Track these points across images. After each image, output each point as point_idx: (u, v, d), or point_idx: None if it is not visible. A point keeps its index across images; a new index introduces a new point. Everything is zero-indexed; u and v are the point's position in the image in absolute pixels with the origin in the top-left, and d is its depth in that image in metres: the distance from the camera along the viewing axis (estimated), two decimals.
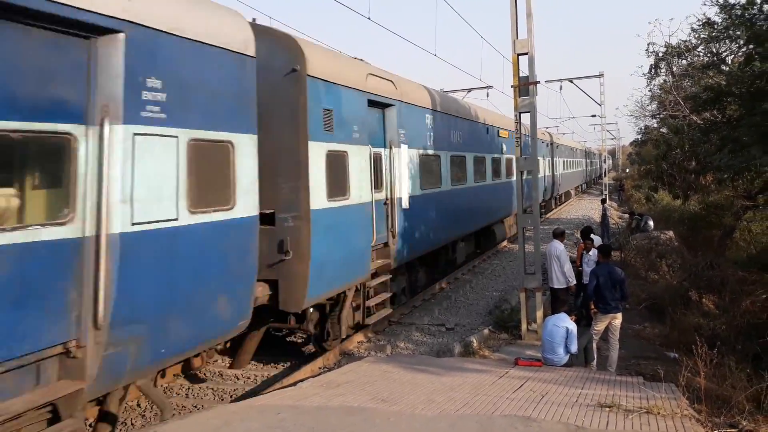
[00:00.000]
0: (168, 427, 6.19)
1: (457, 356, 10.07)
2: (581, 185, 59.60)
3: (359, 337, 11.18)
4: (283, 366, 9.96)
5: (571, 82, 36.31)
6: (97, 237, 5.20)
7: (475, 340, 10.68)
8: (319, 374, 8.89)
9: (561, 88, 38.28)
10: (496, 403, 6.96)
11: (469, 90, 34.47)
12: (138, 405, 8.21)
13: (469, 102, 20.16)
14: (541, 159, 28.48)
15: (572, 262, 12.11)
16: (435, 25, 21.96)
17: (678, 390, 7.41)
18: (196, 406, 8.25)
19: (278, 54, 8.63)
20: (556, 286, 11.28)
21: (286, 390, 7.95)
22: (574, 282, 11.38)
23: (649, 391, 7.37)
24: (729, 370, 8.93)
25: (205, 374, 9.49)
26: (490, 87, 34.64)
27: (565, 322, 9.06)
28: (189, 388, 9.02)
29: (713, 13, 19.10)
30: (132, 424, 7.75)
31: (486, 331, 11.58)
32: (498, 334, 11.64)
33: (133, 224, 5.50)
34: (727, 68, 18.98)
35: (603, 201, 25.38)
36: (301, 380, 8.40)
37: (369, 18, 16.88)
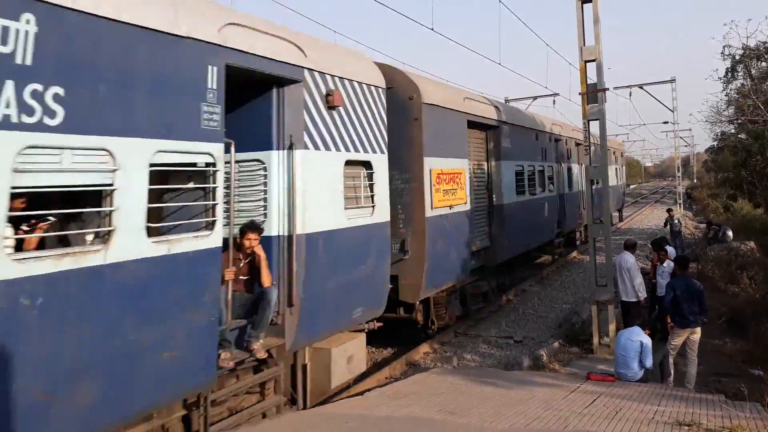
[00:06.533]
0: None
1: (525, 369, 9.88)
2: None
3: (425, 348, 11.15)
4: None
5: (641, 88, 35.23)
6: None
7: (544, 354, 10.45)
8: (386, 384, 8.91)
9: (630, 95, 37.18)
10: (568, 418, 6.78)
11: (535, 98, 34.01)
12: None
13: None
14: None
15: (645, 274, 11.70)
16: (498, 34, 21.85)
17: (764, 410, 7.01)
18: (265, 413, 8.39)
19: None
20: (626, 299, 10.92)
21: (353, 399, 8.02)
22: (645, 296, 10.99)
23: (731, 409, 7.01)
24: None
25: None
26: (557, 95, 34.10)
27: (640, 336, 8.76)
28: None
29: None
30: None
31: (556, 344, 11.31)
32: (568, 348, 11.34)
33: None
34: None
35: (668, 211, 24.33)
36: (368, 390, 8.45)
37: (432, 29, 17.01)
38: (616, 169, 29.82)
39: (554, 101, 34.69)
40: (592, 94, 11.24)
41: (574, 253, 22.99)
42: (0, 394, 3.96)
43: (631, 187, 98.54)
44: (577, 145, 21.88)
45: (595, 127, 11.68)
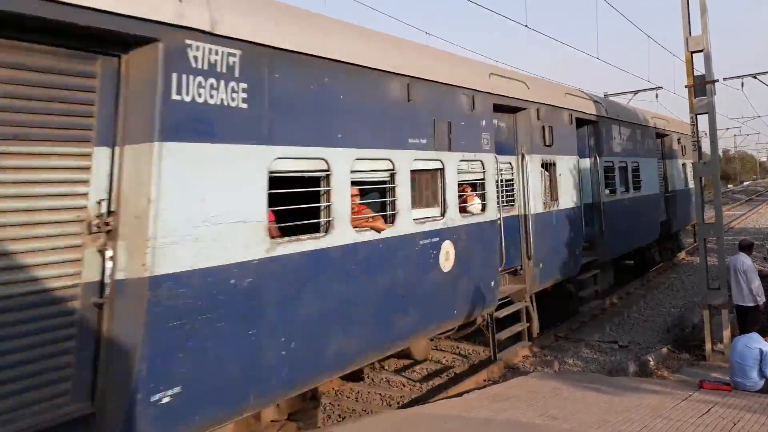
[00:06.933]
0: (342, 428, 6.54)
1: (631, 376, 9.48)
2: None
3: (525, 351, 10.97)
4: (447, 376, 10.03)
5: (755, 78, 32.81)
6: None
7: (652, 359, 9.99)
8: (485, 386, 8.84)
9: (742, 86, 34.71)
10: (680, 428, 6.46)
11: (636, 92, 32.52)
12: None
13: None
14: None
15: (763, 277, 10.90)
16: (596, 27, 21.12)
17: None
18: (365, 410, 8.56)
19: None
20: (742, 304, 10.20)
21: (452, 400, 8.02)
22: (764, 300, 10.23)
23: None
24: None
25: (372, 380, 9.84)
26: (660, 88, 32.42)
27: (759, 344, 8.17)
28: (358, 393, 9.39)
29: None
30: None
31: (664, 349, 10.77)
32: (678, 354, 10.76)
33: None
34: None
35: None
36: (467, 391, 8.42)
37: (526, 26, 16.75)
38: (683, 165, 21.81)
39: (657, 95, 32.97)
40: (700, 86, 10.64)
41: (682, 255, 21.78)
42: None
43: (745, 183, 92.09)
44: (590, 123, 13.79)
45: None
